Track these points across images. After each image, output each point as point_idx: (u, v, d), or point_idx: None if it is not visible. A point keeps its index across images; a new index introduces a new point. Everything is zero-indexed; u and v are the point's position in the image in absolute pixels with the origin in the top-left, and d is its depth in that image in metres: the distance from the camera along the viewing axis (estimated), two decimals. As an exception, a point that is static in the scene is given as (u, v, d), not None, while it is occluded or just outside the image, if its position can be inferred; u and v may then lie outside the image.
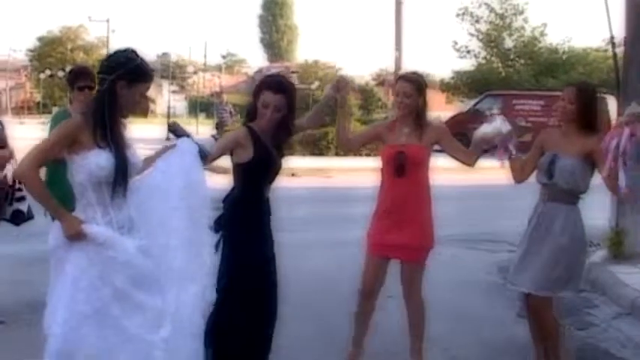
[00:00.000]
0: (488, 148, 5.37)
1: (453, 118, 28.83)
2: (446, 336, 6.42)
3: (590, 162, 5.07)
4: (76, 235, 3.97)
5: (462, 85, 45.92)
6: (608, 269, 8.67)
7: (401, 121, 5.43)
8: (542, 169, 5.17)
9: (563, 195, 5.11)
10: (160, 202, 4.18)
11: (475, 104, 32.48)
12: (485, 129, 5.28)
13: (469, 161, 5.45)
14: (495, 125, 5.25)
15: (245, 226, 4.85)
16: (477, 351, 5.81)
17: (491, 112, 5.51)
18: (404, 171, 5.30)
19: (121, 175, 4.07)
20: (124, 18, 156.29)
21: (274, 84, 4.94)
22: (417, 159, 5.36)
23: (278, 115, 4.87)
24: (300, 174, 19.54)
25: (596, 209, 10.02)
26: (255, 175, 4.92)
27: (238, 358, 4.82)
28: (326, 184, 19.68)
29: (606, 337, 6.61)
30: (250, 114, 5.01)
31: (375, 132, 5.74)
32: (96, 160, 4.00)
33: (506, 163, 5.42)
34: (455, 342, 6.30)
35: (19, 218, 6.73)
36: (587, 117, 5.11)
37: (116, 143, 4.07)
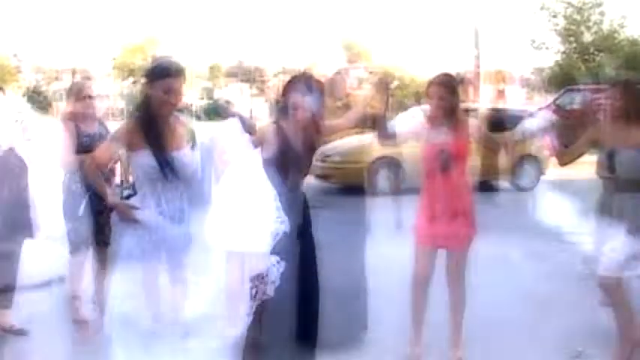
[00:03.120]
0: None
1: (533, 114, 28.72)
2: (534, 321, 6.73)
3: None
4: (128, 220, 4.61)
5: (542, 80, 45.46)
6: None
7: (438, 121, 5.63)
8: (603, 165, 5.50)
9: (627, 185, 5.39)
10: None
11: (555, 99, 32.30)
12: (527, 124, 5.66)
13: (497, 148, 6.10)
14: (536, 120, 5.64)
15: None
16: (563, 335, 6.04)
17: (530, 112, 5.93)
18: (448, 166, 5.58)
19: (167, 173, 4.56)
20: (206, 25, 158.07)
21: (303, 85, 5.00)
22: (459, 154, 5.63)
23: (307, 114, 4.99)
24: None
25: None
26: (279, 170, 4.96)
27: None
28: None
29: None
30: (282, 112, 5.13)
31: (414, 131, 5.79)
32: (148, 160, 4.54)
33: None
34: (542, 327, 6.56)
35: None
36: (635, 110, 5.43)
37: (157, 145, 4.55)
